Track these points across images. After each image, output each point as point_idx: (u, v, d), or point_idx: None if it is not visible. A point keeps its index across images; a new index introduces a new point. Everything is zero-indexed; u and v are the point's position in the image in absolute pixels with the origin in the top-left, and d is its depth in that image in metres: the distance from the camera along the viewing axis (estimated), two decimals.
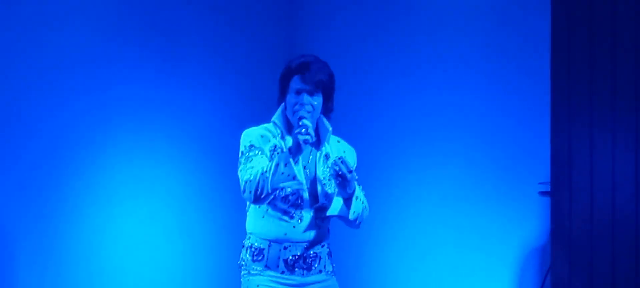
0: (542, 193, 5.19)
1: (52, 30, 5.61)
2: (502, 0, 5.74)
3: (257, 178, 4.33)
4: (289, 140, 4.44)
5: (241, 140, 4.47)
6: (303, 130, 4.29)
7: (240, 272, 4.53)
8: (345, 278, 5.96)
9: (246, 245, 4.50)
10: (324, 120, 4.52)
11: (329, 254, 4.54)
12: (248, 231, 4.50)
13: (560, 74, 4.62)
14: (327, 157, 4.50)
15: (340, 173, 4.34)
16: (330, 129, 4.51)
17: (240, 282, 4.52)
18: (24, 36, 5.52)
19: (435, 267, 5.94)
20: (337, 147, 4.57)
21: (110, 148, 5.81)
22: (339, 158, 4.35)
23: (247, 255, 4.47)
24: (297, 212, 4.43)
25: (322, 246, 4.49)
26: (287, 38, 6.59)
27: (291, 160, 4.29)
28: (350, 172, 4.36)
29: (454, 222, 5.87)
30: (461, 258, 5.84)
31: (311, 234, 4.45)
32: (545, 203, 5.01)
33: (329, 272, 4.53)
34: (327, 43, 6.48)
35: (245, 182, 4.36)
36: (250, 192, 4.33)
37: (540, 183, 5.22)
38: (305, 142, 4.31)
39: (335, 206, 4.50)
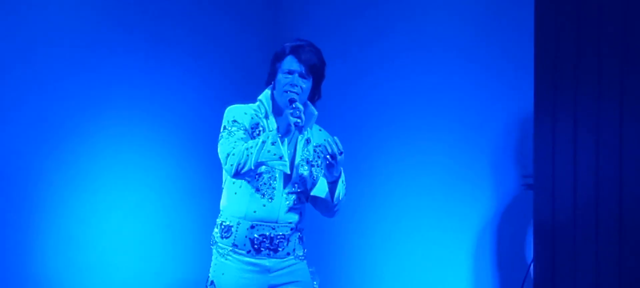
0: (527, 186, 5.20)
1: (34, 18, 5.61)
2: None
3: (242, 152, 4.36)
4: (273, 121, 4.49)
5: (224, 115, 4.53)
6: (297, 112, 4.34)
7: (211, 247, 4.56)
8: (327, 271, 5.98)
9: (217, 222, 4.54)
10: (310, 105, 4.56)
11: (300, 238, 4.56)
12: (221, 207, 4.54)
13: (545, 68, 4.62)
14: (308, 141, 4.54)
15: (331, 153, 4.38)
16: (316, 113, 4.56)
17: (211, 260, 4.55)
18: (4, 27, 5.52)
19: (419, 261, 5.94)
20: (318, 135, 4.62)
21: (95, 137, 5.82)
22: (332, 138, 4.40)
23: (217, 232, 4.52)
24: (269, 190, 4.47)
25: (291, 229, 4.52)
26: (275, 26, 6.59)
27: (279, 139, 4.33)
28: (341, 153, 4.40)
29: (438, 215, 5.88)
30: (445, 251, 5.84)
31: (280, 215, 4.49)
32: (530, 196, 5.00)
33: (299, 257, 4.56)
34: (314, 31, 6.47)
35: (228, 154, 4.41)
36: (231, 165, 4.39)
37: (524, 176, 5.22)
38: (296, 125, 4.36)
39: (321, 188, 4.53)
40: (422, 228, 5.94)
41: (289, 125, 4.37)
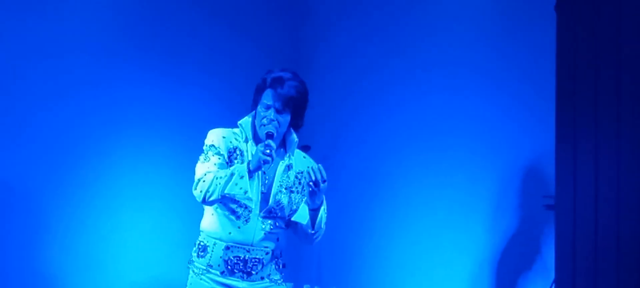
0: (547, 206, 5.19)
1: (56, 36, 5.66)
2: (508, 13, 5.75)
3: (211, 180, 4.38)
4: (253, 146, 4.51)
5: (205, 139, 4.53)
6: (267, 150, 4.35)
7: (188, 267, 4.56)
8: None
9: (196, 242, 4.56)
10: (293, 132, 4.56)
11: (277, 263, 4.56)
12: (201, 228, 4.56)
13: (566, 89, 4.62)
14: (289, 167, 4.55)
15: (314, 181, 4.40)
16: (297, 140, 4.56)
17: (188, 277, 4.53)
18: (29, 42, 5.55)
19: (439, 280, 5.94)
20: (302, 161, 4.62)
21: (113, 151, 5.87)
22: (317, 166, 4.40)
23: (194, 252, 4.53)
24: (245, 213, 4.48)
25: (267, 253, 4.52)
26: (292, 43, 6.61)
27: (247, 174, 4.36)
28: (324, 181, 4.40)
29: (460, 234, 5.87)
30: (467, 271, 5.83)
31: (255, 237, 4.49)
32: (550, 216, 5.01)
33: (275, 281, 4.55)
34: (331, 48, 6.50)
35: (199, 180, 4.41)
36: (200, 191, 4.40)
37: (544, 196, 5.22)
38: (265, 162, 4.36)
39: (303, 214, 4.54)
40: (441, 249, 5.93)
41: (259, 161, 4.40)
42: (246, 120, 4.56)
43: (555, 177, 4.63)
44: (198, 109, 6.13)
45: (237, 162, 4.45)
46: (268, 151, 4.35)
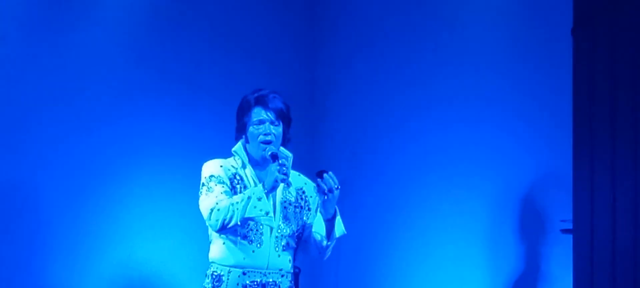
0: (564, 230, 5.19)
1: (75, 61, 5.69)
2: (523, 34, 5.76)
3: (227, 207, 4.39)
4: (251, 170, 4.52)
5: (201, 172, 4.56)
6: (283, 169, 4.39)
7: None
8: None
9: (208, 273, 4.56)
10: (284, 149, 4.63)
11: (291, 285, 4.57)
12: (210, 259, 4.56)
13: (582, 112, 4.62)
14: (288, 184, 4.57)
15: (328, 187, 4.42)
16: (291, 156, 4.60)
17: None
18: (49, 67, 5.59)
19: None
20: (298, 179, 4.66)
21: (133, 179, 5.88)
22: (328, 173, 4.44)
23: (208, 283, 4.53)
24: (257, 236, 4.49)
25: (283, 275, 4.54)
26: (308, 72, 6.63)
27: (264, 196, 4.38)
28: (338, 188, 4.43)
29: (475, 259, 5.86)
30: (484, 283, 5.83)
31: (270, 260, 4.52)
32: (567, 241, 5.00)
33: None
34: (348, 77, 6.51)
35: (211, 210, 4.44)
36: (216, 220, 4.42)
37: (562, 221, 5.21)
38: (283, 181, 4.40)
39: (319, 225, 4.56)
40: (460, 271, 5.93)
41: (276, 181, 4.42)
42: (239, 146, 4.59)
43: (573, 200, 4.62)
44: (213, 137, 6.15)
45: (239, 188, 4.48)
46: (284, 169, 4.38)
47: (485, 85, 5.88)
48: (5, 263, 5.46)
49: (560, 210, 5.30)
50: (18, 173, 5.53)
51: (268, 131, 4.55)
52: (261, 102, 4.58)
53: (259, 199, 4.43)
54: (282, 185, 4.54)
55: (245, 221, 4.46)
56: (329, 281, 6.43)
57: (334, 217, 4.58)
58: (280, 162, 4.46)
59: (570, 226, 4.67)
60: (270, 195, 4.52)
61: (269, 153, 4.53)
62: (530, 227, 5.66)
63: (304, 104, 6.58)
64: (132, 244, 5.86)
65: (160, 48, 6.04)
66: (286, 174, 4.45)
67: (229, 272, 4.52)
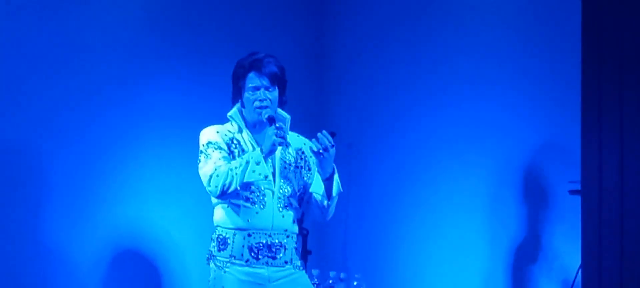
0: (572, 191, 5.19)
1: (87, 40, 5.72)
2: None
3: (226, 173, 4.41)
4: (248, 134, 4.54)
5: (199, 140, 4.57)
6: (281, 132, 4.41)
7: (208, 265, 4.57)
8: (372, 282, 6.00)
9: (213, 237, 4.57)
10: (281, 111, 4.65)
11: (296, 249, 4.59)
12: (215, 223, 4.58)
13: (590, 71, 4.61)
14: (287, 145, 4.58)
15: (323, 146, 4.44)
16: (289, 117, 4.63)
17: (209, 275, 4.56)
18: (59, 45, 5.60)
19: (465, 268, 5.94)
20: (296, 139, 4.68)
21: (142, 156, 5.90)
22: (322, 132, 4.45)
23: (214, 246, 4.55)
24: (260, 198, 4.51)
25: (288, 236, 4.55)
26: (317, 35, 6.63)
27: (262, 160, 4.39)
28: (333, 146, 4.44)
29: (484, 221, 5.88)
30: (491, 257, 5.84)
31: (275, 221, 4.53)
32: (575, 202, 5.00)
33: (297, 266, 4.58)
34: (357, 43, 6.50)
35: (210, 176, 4.45)
36: (216, 186, 4.44)
37: (570, 182, 5.22)
38: (281, 144, 4.42)
39: (317, 186, 4.58)
40: (469, 237, 5.94)
41: (274, 144, 4.44)
42: (234, 112, 4.61)
43: (581, 161, 4.62)
44: (223, 103, 6.17)
45: (237, 152, 4.49)
46: (281, 133, 4.40)
47: (494, 48, 5.88)
48: (14, 226, 5.48)
49: (568, 173, 5.31)
50: (28, 138, 5.55)
51: (263, 97, 4.57)
52: (255, 67, 4.59)
53: (258, 163, 4.45)
54: (280, 146, 4.56)
55: (245, 185, 4.48)
56: (336, 241, 6.45)
57: (332, 176, 4.59)
58: (277, 125, 4.48)
59: (578, 187, 4.67)
60: (269, 158, 4.54)
61: (266, 116, 4.54)
62: (539, 188, 5.67)
63: (313, 66, 6.59)
64: (140, 208, 5.88)
65: (169, 14, 6.04)
66: (283, 137, 4.47)
67: (234, 234, 4.54)
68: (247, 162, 4.45)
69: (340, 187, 4.65)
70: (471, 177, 5.95)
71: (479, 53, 5.95)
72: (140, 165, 5.89)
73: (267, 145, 4.46)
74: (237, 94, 4.63)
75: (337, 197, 4.64)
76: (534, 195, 5.71)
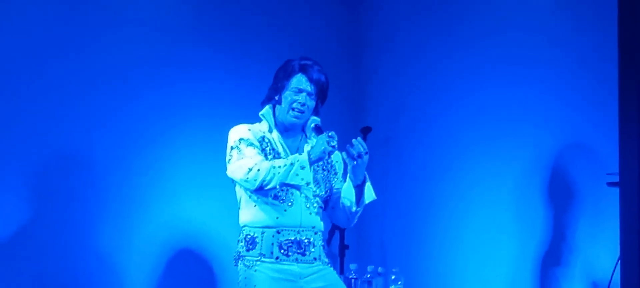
0: (611, 184, 5.17)
1: (121, 30, 5.75)
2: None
3: (268, 169, 4.40)
4: (278, 135, 4.57)
5: (229, 137, 4.58)
6: (333, 142, 4.41)
7: (237, 266, 4.58)
8: (414, 281, 6.00)
9: (240, 238, 4.57)
10: (313, 116, 4.63)
11: (323, 246, 4.60)
12: (241, 224, 4.58)
13: (628, 62, 4.58)
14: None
15: (357, 152, 4.44)
16: (319, 119, 4.63)
17: (238, 276, 4.56)
18: (91, 36, 5.64)
19: (504, 262, 5.94)
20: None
21: (176, 146, 5.92)
22: (357, 139, 4.45)
23: (242, 247, 4.54)
24: (288, 196, 4.51)
25: (316, 233, 4.55)
26: (354, 31, 6.63)
27: (308, 165, 4.40)
28: (367, 153, 4.44)
29: (518, 214, 5.87)
30: (527, 251, 5.83)
31: (303, 218, 4.54)
32: (614, 194, 4.98)
33: (325, 263, 4.58)
34: (393, 38, 6.51)
35: (250, 169, 4.44)
36: (255, 180, 4.43)
37: (608, 174, 5.19)
38: (330, 154, 4.43)
39: (347, 192, 4.58)
40: (505, 230, 5.93)
41: (324, 152, 4.43)
42: (267, 111, 4.60)
43: (619, 153, 4.60)
44: (257, 100, 6.19)
45: (268, 150, 4.49)
46: (333, 142, 4.40)
47: (530, 39, 5.87)
48: (60, 224, 5.53)
49: (607, 164, 5.29)
50: (72, 141, 5.61)
51: (304, 101, 4.57)
52: (305, 70, 4.59)
53: (302, 168, 4.45)
54: (308, 148, 4.57)
55: (283, 185, 4.48)
56: (374, 236, 6.46)
57: (363, 182, 4.58)
58: (329, 134, 4.47)
59: (616, 179, 4.64)
60: (291, 150, 4.56)
61: (313, 125, 4.54)
62: (577, 180, 5.65)
63: (349, 62, 6.59)
64: (176, 206, 5.91)
65: (203, 12, 6.06)
66: (335, 147, 4.47)
67: (263, 232, 4.54)
68: (292, 164, 4.45)
69: (374, 195, 4.64)
70: (506, 170, 5.94)
71: (515, 45, 5.94)
72: (173, 164, 5.92)
73: (317, 152, 4.46)
74: (277, 91, 4.62)
75: (358, 212, 4.65)
76: (569, 188, 5.70)
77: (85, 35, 5.63)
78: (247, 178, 4.47)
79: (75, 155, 5.60)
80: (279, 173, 4.44)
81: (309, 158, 4.46)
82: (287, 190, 4.53)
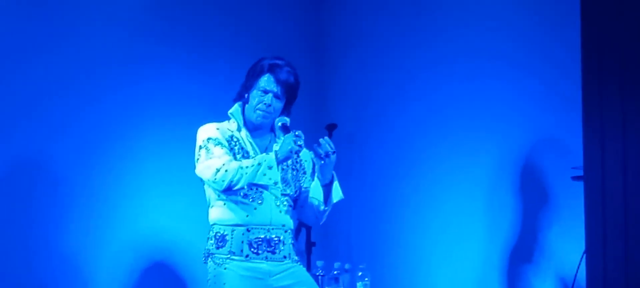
0: (575, 178, 5.20)
1: (81, 29, 5.70)
2: None
3: (236, 169, 4.40)
4: (247, 134, 4.54)
5: (197, 137, 4.58)
6: (299, 142, 4.41)
7: (206, 264, 4.57)
8: (381, 278, 6.01)
9: (210, 235, 4.57)
10: (283, 117, 4.63)
11: (293, 245, 4.60)
12: (211, 222, 4.57)
13: (592, 57, 4.61)
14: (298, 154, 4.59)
15: (325, 152, 4.44)
16: (288, 120, 4.64)
17: (208, 274, 4.55)
18: (52, 38, 5.61)
19: (471, 257, 5.95)
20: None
21: (139, 145, 5.90)
22: (324, 138, 4.46)
23: (212, 244, 4.54)
24: (257, 194, 4.51)
25: (286, 231, 4.56)
26: (316, 28, 6.62)
27: (275, 165, 4.39)
28: (334, 152, 4.45)
29: (486, 209, 5.89)
30: (494, 245, 5.85)
31: (273, 216, 4.55)
32: (578, 188, 5.01)
33: (295, 260, 4.59)
34: (355, 34, 6.50)
35: (218, 169, 4.44)
36: (223, 180, 4.43)
37: (573, 168, 5.23)
38: (296, 152, 4.42)
39: (315, 191, 4.59)
40: (472, 224, 5.95)
41: (291, 151, 4.43)
42: (236, 109, 4.60)
43: (583, 147, 4.63)
44: (221, 98, 6.17)
45: (237, 150, 4.48)
46: (299, 141, 4.39)
47: (494, 37, 5.89)
48: (22, 229, 5.49)
49: (570, 160, 5.32)
50: (34, 143, 5.56)
51: (269, 102, 4.57)
52: (273, 71, 4.58)
53: (270, 168, 4.45)
54: (276, 148, 4.57)
55: (251, 185, 4.48)
56: (340, 232, 6.47)
57: (331, 182, 4.59)
58: (296, 133, 4.47)
59: (581, 173, 4.67)
60: (260, 149, 4.56)
61: (280, 124, 4.54)
62: (541, 175, 5.67)
63: (312, 58, 6.58)
64: (142, 204, 5.88)
65: (166, 11, 6.04)
66: (301, 146, 4.47)
67: (233, 230, 4.54)
68: (260, 164, 4.45)
69: (342, 194, 4.64)
70: (472, 165, 5.95)
71: (479, 43, 5.95)
72: (138, 163, 5.89)
73: (283, 151, 4.46)
74: (246, 89, 4.62)
75: (331, 206, 4.65)
76: (535, 182, 5.72)
77: (46, 37, 5.59)
78: (215, 179, 4.46)
79: (36, 156, 5.56)
80: (246, 173, 4.43)
81: (276, 158, 4.46)
82: (257, 189, 4.53)
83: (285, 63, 4.61)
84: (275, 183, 4.48)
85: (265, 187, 4.52)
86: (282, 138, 4.53)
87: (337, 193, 4.62)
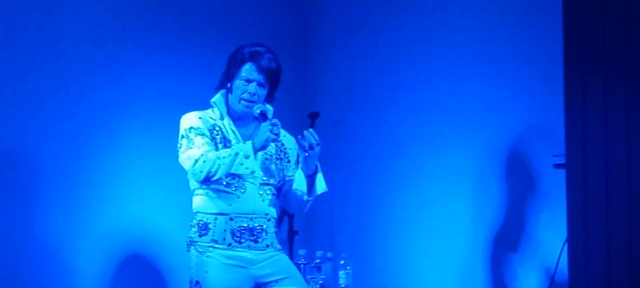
0: (557, 165, 5.21)
1: (61, 25, 5.68)
2: None
3: (213, 160, 4.40)
4: (230, 122, 4.53)
5: (180, 125, 4.57)
6: (276, 129, 4.41)
7: (189, 252, 4.57)
8: (363, 266, 6.02)
9: (193, 223, 4.57)
10: (266, 104, 4.61)
11: (276, 233, 4.61)
12: (194, 210, 4.57)
13: (574, 46, 4.63)
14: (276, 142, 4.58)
15: (309, 144, 4.45)
16: (272, 109, 4.63)
17: (190, 261, 4.54)
18: (33, 31, 5.58)
19: (455, 246, 5.96)
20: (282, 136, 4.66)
21: (122, 134, 5.89)
22: (309, 130, 4.45)
23: (195, 232, 4.54)
24: (240, 183, 4.51)
25: (268, 220, 4.56)
26: (300, 19, 6.62)
27: (252, 154, 4.39)
28: (318, 144, 4.45)
29: (470, 198, 5.90)
30: (479, 235, 5.86)
31: (256, 205, 4.54)
32: (560, 175, 5.03)
33: (278, 249, 4.60)
34: (341, 27, 6.51)
35: (196, 161, 4.44)
36: (201, 171, 4.43)
37: (554, 155, 5.24)
38: (273, 141, 4.42)
39: (299, 182, 4.59)
40: (455, 214, 5.96)
41: (267, 140, 4.43)
42: (219, 98, 4.59)
43: (565, 135, 4.64)
44: (203, 89, 6.16)
45: (219, 139, 4.48)
46: (276, 130, 4.39)
47: (477, 27, 5.91)
48: (2, 219, 5.47)
49: (552, 148, 5.34)
50: (14, 137, 5.54)
51: (254, 91, 4.56)
52: (255, 59, 4.57)
53: (247, 157, 4.44)
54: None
55: (229, 176, 4.48)
56: (323, 221, 6.47)
57: (315, 173, 4.59)
58: (273, 121, 4.47)
59: (563, 160, 4.69)
60: (244, 137, 4.55)
61: (258, 111, 4.53)
62: (524, 163, 5.69)
63: (297, 46, 6.58)
64: (124, 194, 5.87)
65: (147, 3, 6.02)
66: (277, 134, 4.46)
67: (216, 219, 4.54)
68: (237, 154, 4.44)
69: (325, 187, 4.64)
70: (456, 154, 5.96)
71: (463, 31, 5.96)
72: (121, 152, 5.87)
73: (260, 140, 4.45)
74: (228, 78, 4.61)
75: (315, 196, 4.65)
76: (519, 171, 5.73)
77: (27, 30, 5.56)
78: (194, 171, 4.47)
79: (17, 146, 5.54)
80: (224, 163, 4.43)
81: (253, 147, 4.45)
82: (240, 177, 4.53)
83: (266, 49, 4.60)
84: (252, 172, 4.46)
85: (243, 177, 4.51)
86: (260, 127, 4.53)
87: (321, 186, 4.62)
